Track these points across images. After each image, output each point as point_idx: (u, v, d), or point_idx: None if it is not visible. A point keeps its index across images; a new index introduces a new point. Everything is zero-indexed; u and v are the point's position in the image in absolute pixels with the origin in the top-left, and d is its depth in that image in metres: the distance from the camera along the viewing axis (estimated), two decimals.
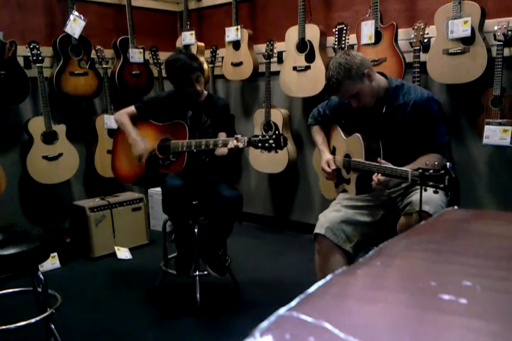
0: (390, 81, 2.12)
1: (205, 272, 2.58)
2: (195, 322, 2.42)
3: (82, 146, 3.66)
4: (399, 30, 2.93)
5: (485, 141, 2.65)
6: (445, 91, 2.98)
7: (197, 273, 2.58)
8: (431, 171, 1.71)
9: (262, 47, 3.58)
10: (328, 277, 0.59)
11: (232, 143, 2.25)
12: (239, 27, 3.62)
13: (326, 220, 2.10)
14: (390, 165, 1.91)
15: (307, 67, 3.28)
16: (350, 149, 2.19)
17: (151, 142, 2.59)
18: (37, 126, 3.25)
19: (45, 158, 3.28)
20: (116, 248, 3.39)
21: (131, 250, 3.44)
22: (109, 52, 3.71)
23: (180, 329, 2.35)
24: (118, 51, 3.71)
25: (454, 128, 2.97)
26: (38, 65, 3.16)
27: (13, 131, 3.35)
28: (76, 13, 3.35)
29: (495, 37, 2.59)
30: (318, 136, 2.41)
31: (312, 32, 3.25)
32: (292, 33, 3.34)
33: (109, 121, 3.49)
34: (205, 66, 3.93)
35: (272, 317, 0.48)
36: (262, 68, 3.58)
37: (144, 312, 2.52)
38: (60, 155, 3.35)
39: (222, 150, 2.47)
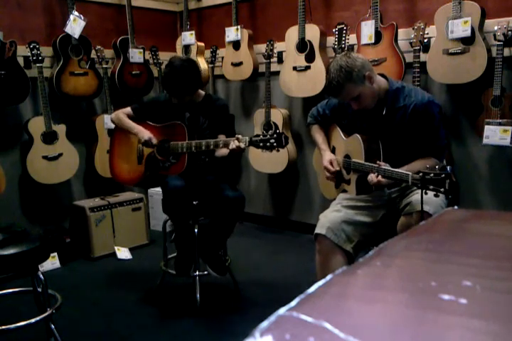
0: (391, 83, 2.12)
1: (205, 272, 2.57)
2: (195, 322, 2.42)
3: (82, 146, 3.66)
4: (399, 30, 2.93)
5: (485, 141, 2.65)
6: (445, 91, 2.98)
7: (197, 273, 2.58)
8: (431, 175, 1.71)
9: (262, 47, 3.58)
10: (328, 277, 0.59)
11: (233, 143, 2.24)
12: (239, 27, 3.62)
13: (327, 220, 2.10)
14: (389, 168, 1.91)
15: (307, 67, 3.28)
16: (349, 150, 2.18)
17: None
18: (37, 126, 3.25)
19: (45, 158, 3.28)
20: (116, 248, 3.39)
21: (131, 250, 3.44)
22: (109, 52, 3.71)
23: (181, 329, 2.35)
24: (118, 51, 3.71)
25: (454, 128, 2.97)
26: (38, 64, 3.16)
27: (13, 131, 3.35)
28: (76, 13, 3.35)
29: (495, 37, 2.59)
30: (318, 136, 2.41)
31: (312, 32, 3.25)
32: (292, 33, 3.34)
33: (109, 121, 3.48)
34: (205, 66, 3.94)
35: (272, 317, 0.48)
36: (262, 68, 3.58)
37: (144, 312, 2.52)
38: (60, 155, 3.35)
39: (222, 151, 2.46)
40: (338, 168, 2.23)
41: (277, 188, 3.97)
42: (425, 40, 2.78)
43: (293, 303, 0.51)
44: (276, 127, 3.51)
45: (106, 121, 3.57)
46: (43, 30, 3.44)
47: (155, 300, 2.66)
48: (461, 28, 2.62)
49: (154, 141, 2.49)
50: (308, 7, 3.27)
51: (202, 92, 2.62)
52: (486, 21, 2.67)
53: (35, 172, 3.25)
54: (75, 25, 3.34)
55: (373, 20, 2.94)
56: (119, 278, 3.03)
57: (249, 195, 3.97)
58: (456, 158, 2.97)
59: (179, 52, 4.05)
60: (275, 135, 2.17)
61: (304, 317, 0.48)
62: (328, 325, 0.46)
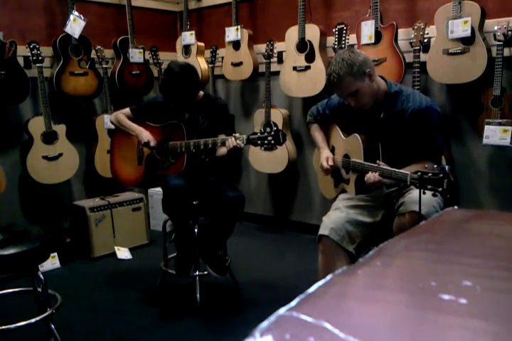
0: (390, 85, 2.11)
1: (205, 272, 2.57)
2: (195, 322, 2.42)
3: (82, 146, 3.66)
4: (399, 30, 2.93)
5: (485, 141, 2.65)
6: (445, 91, 2.98)
7: (197, 273, 2.58)
8: (430, 174, 1.71)
9: (262, 47, 3.58)
10: (328, 277, 0.59)
11: (231, 141, 2.24)
12: (239, 27, 3.62)
13: (330, 221, 2.10)
14: (388, 167, 1.91)
15: (307, 67, 3.28)
16: (349, 149, 2.19)
17: None
18: (37, 126, 3.25)
19: (45, 158, 3.28)
20: (116, 248, 3.39)
21: (131, 250, 3.44)
22: (109, 52, 3.71)
23: (181, 329, 2.35)
24: (118, 51, 3.71)
25: (454, 128, 2.97)
26: (38, 64, 3.16)
27: (13, 131, 3.35)
28: (76, 13, 3.35)
29: (495, 37, 2.59)
30: (318, 134, 2.42)
31: (312, 32, 3.25)
32: (292, 33, 3.34)
33: (109, 120, 3.48)
34: (205, 66, 3.94)
35: (272, 317, 0.48)
36: (262, 68, 3.58)
37: (144, 312, 2.52)
38: (60, 155, 3.35)
39: (222, 151, 2.47)
40: (332, 164, 2.24)
41: (277, 188, 3.97)
42: (425, 40, 2.78)
43: (293, 303, 0.51)
44: (277, 127, 3.51)
45: (106, 121, 3.57)
46: (43, 30, 3.44)
47: (155, 300, 2.66)
48: (461, 28, 2.62)
49: (152, 143, 2.49)
50: (308, 7, 3.27)
51: (201, 92, 2.61)
52: (486, 21, 2.67)
53: (35, 172, 3.25)
54: (75, 25, 3.34)
55: (373, 20, 2.94)
56: (119, 278, 3.03)
57: (249, 195, 3.97)
58: (456, 158, 2.97)
59: (179, 52, 4.05)
60: (273, 132, 2.17)
61: (304, 317, 0.48)
62: (328, 325, 0.46)
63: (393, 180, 1.90)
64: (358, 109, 2.11)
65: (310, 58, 3.27)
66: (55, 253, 3.17)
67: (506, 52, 2.60)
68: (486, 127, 2.63)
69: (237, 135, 2.25)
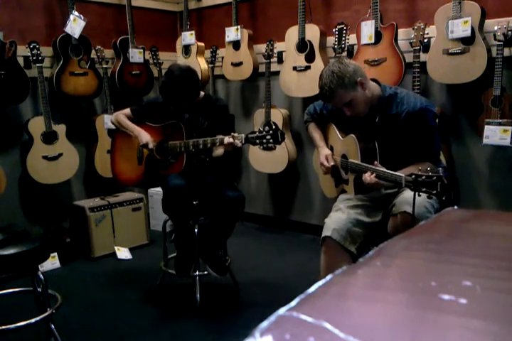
0: (384, 89, 2.11)
1: (205, 272, 2.58)
2: (195, 322, 2.42)
3: (82, 146, 3.66)
4: (399, 30, 2.93)
5: (485, 141, 2.65)
6: (445, 91, 2.98)
7: (197, 273, 2.58)
8: (423, 177, 1.72)
9: (262, 47, 3.58)
10: (328, 277, 0.59)
11: (226, 139, 2.24)
12: (239, 27, 3.62)
13: (332, 222, 2.10)
14: (385, 170, 1.91)
15: (307, 67, 3.28)
16: (346, 150, 2.19)
17: None
18: (37, 126, 3.25)
19: (45, 158, 3.28)
20: (116, 248, 3.39)
21: (131, 250, 3.44)
22: (109, 52, 3.71)
23: (181, 329, 2.35)
24: (118, 51, 3.71)
25: (454, 128, 2.97)
26: (38, 64, 3.16)
27: (13, 131, 3.35)
28: (76, 13, 3.35)
29: (495, 37, 2.59)
30: (315, 133, 2.42)
31: (312, 32, 3.25)
32: (292, 33, 3.34)
33: (109, 121, 3.48)
34: (205, 66, 3.94)
35: (272, 317, 0.48)
36: (262, 68, 3.58)
37: (144, 312, 2.52)
38: (60, 155, 3.35)
39: (218, 152, 2.47)
40: (332, 163, 2.24)
41: (277, 188, 3.97)
42: (425, 40, 2.78)
43: (293, 303, 0.51)
44: (276, 127, 3.50)
45: (106, 121, 3.57)
46: (43, 30, 3.44)
47: (155, 300, 2.66)
48: (461, 28, 2.62)
49: (151, 145, 2.50)
50: (308, 7, 3.27)
51: (201, 93, 2.61)
52: (486, 21, 2.67)
53: (35, 172, 3.25)
54: (75, 25, 3.34)
55: (373, 20, 2.94)
56: (119, 278, 3.03)
57: (249, 195, 3.97)
58: (456, 158, 2.97)
59: (179, 52, 4.05)
60: (271, 131, 2.17)
61: (303, 317, 0.48)
62: (328, 325, 0.46)
63: (389, 182, 1.90)
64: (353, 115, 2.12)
65: (310, 58, 3.27)
66: (55, 253, 3.17)
67: (506, 52, 2.60)
68: (486, 127, 2.63)
69: (235, 134, 2.25)
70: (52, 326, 2.09)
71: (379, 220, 2.15)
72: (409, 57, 2.87)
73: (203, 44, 4.01)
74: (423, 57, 2.79)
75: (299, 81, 3.34)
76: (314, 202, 3.73)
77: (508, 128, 2.57)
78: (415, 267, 0.66)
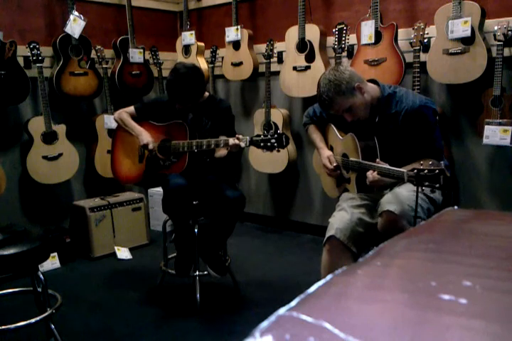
0: (383, 89, 2.11)
1: (205, 272, 2.58)
2: (195, 322, 2.42)
3: (82, 146, 3.66)
4: (399, 30, 2.93)
5: (485, 141, 2.65)
6: (445, 91, 2.98)
7: (197, 273, 2.58)
8: (425, 171, 1.71)
9: (262, 47, 3.58)
10: (328, 277, 0.59)
11: (231, 140, 2.25)
12: (239, 27, 3.62)
13: (335, 221, 2.10)
14: (387, 166, 1.91)
15: (307, 67, 3.28)
16: (346, 149, 2.19)
17: None
18: (37, 126, 3.25)
19: (45, 158, 3.28)
20: (116, 248, 3.39)
21: (131, 250, 3.44)
22: (109, 52, 3.71)
23: (181, 329, 2.35)
24: (118, 51, 3.71)
25: (454, 128, 2.97)
26: (38, 65, 3.16)
27: (13, 131, 3.35)
28: (76, 13, 3.35)
29: (495, 37, 2.59)
30: (316, 135, 2.42)
31: (312, 32, 3.25)
32: (292, 33, 3.34)
33: (109, 121, 3.49)
34: (205, 66, 3.94)
35: (272, 317, 0.48)
36: (262, 68, 3.58)
37: (144, 312, 2.52)
38: (60, 155, 3.35)
39: (221, 153, 2.48)
40: (335, 164, 2.24)
41: (277, 188, 3.97)
42: (425, 40, 2.78)
43: (293, 303, 0.51)
44: (277, 127, 3.51)
45: (106, 121, 3.57)
46: (43, 30, 3.44)
47: (155, 300, 2.66)
48: (461, 28, 2.62)
49: (151, 146, 2.51)
50: (308, 7, 3.27)
51: (206, 93, 2.62)
52: (486, 21, 2.67)
53: (35, 172, 3.25)
54: (75, 25, 3.34)
55: (373, 20, 2.94)
56: (119, 278, 3.03)
57: (250, 195, 3.97)
58: (456, 157, 2.97)
59: (179, 52, 4.05)
60: (276, 135, 2.18)
61: (303, 317, 0.48)
62: (328, 325, 0.46)
63: (391, 178, 1.90)
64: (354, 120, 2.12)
65: (310, 58, 3.27)
66: (55, 253, 3.17)
67: (506, 52, 2.60)
68: (486, 127, 2.63)
69: (240, 136, 2.25)
70: (52, 326, 2.09)
71: None
72: (409, 57, 2.87)
73: (203, 44, 4.01)
74: (423, 57, 2.79)
75: (299, 81, 3.34)
76: (314, 202, 3.73)
77: (508, 128, 2.57)
78: (415, 267, 0.66)
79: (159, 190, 2.69)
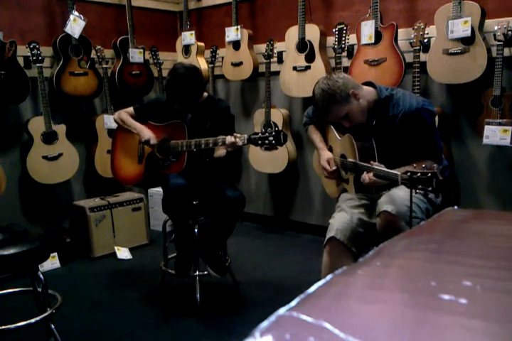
0: (380, 91, 2.11)
1: (205, 272, 2.58)
2: (196, 322, 2.42)
3: (82, 146, 3.66)
4: (399, 30, 2.93)
5: (485, 141, 2.65)
6: (445, 91, 2.98)
7: (197, 273, 2.58)
8: (418, 174, 1.72)
9: (262, 47, 3.58)
10: (328, 277, 0.59)
11: (229, 138, 2.25)
12: (239, 27, 3.62)
13: (335, 222, 2.10)
14: (381, 168, 1.91)
15: (307, 67, 3.28)
16: (344, 149, 2.19)
17: None
18: (37, 126, 3.25)
19: (45, 158, 3.28)
20: (116, 248, 3.39)
21: (131, 250, 3.44)
22: (109, 52, 3.71)
23: (181, 329, 2.35)
24: (118, 51, 3.71)
25: (454, 128, 2.97)
26: (38, 65, 3.16)
27: (13, 131, 3.35)
28: (76, 13, 3.35)
29: (495, 37, 2.59)
30: (315, 136, 2.42)
31: (312, 32, 3.25)
32: (292, 33, 3.34)
33: (109, 121, 3.49)
34: (205, 66, 3.94)
35: (272, 317, 0.48)
36: (262, 68, 3.58)
37: (144, 312, 2.52)
38: (60, 155, 3.35)
39: (220, 152, 2.48)
40: (335, 167, 2.24)
41: (277, 188, 3.97)
42: (425, 40, 2.78)
43: (293, 303, 0.51)
44: (277, 127, 3.51)
45: (106, 121, 3.57)
46: (43, 30, 3.44)
47: (155, 300, 2.66)
48: (461, 28, 2.62)
49: (153, 141, 2.50)
50: (308, 7, 3.27)
51: (205, 93, 2.62)
52: (486, 21, 2.67)
53: (35, 172, 3.25)
54: (75, 25, 3.34)
55: (373, 20, 2.94)
56: (119, 278, 3.03)
57: (250, 195, 3.97)
58: (456, 158, 2.97)
59: (179, 52, 4.05)
60: (274, 133, 2.18)
61: (304, 317, 0.48)
62: (328, 325, 0.46)
63: (386, 180, 1.90)
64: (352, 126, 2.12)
65: (310, 58, 3.28)
66: (55, 253, 3.17)
67: (506, 52, 2.60)
68: (486, 127, 2.63)
69: (238, 135, 2.25)
70: (52, 326, 2.09)
71: None
72: (409, 57, 2.87)
73: (203, 44, 4.01)
74: (423, 57, 2.79)
75: (299, 81, 3.34)
76: (314, 202, 3.73)
77: (508, 128, 2.57)
78: (415, 267, 0.66)
79: (159, 190, 2.69)
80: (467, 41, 2.63)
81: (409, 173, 1.74)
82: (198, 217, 2.55)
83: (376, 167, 1.93)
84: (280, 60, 3.59)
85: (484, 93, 2.69)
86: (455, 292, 0.54)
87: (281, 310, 0.49)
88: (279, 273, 2.99)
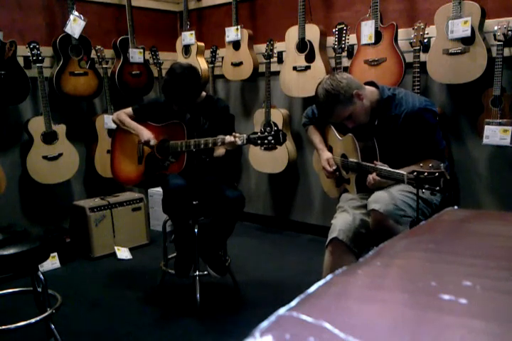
0: (382, 91, 2.10)
1: (205, 272, 2.57)
2: (195, 322, 2.42)
3: (82, 146, 3.66)
4: (399, 30, 2.93)
5: (485, 141, 2.65)
6: (445, 91, 2.98)
7: (197, 273, 2.58)
8: (425, 174, 1.71)
9: (262, 47, 3.58)
10: (328, 277, 0.59)
11: (228, 137, 2.25)
12: (239, 27, 3.62)
13: (337, 223, 2.10)
14: (386, 168, 1.91)
15: (307, 67, 3.28)
16: (345, 149, 2.19)
17: None
18: (37, 126, 3.25)
19: (45, 158, 3.28)
20: (116, 248, 3.39)
21: (131, 250, 3.44)
22: (109, 52, 3.71)
23: (181, 329, 2.35)
24: (118, 51, 3.71)
25: (454, 128, 2.97)
26: (38, 65, 3.16)
27: (13, 131, 3.35)
28: (76, 13, 3.35)
29: (495, 37, 2.59)
30: (315, 136, 2.42)
31: (312, 32, 3.25)
32: (292, 33, 3.34)
33: (109, 121, 3.48)
34: (205, 66, 3.94)
35: (272, 317, 0.48)
36: (262, 68, 3.58)
37: (144, 312, 2.52)
38: (60, 155, 3.35)
39: (220, 152, 2.48)
40: (335, 167, 2.23)
41: (277, 188, 3.97)
42: (425, 40, 2.78)
43: (293, 303, 0.51)
44: (277, 127, 3.51)
45: (106, 121, 3.57)
46: (43, 30, 3.44)
47: (155, 300, 2.66)
48: (461, 28, 2.62)
49: (152, 142, 2.50)
50: (308, 7, 3.27)
51: (203, 93, 2.62)
52: (486, 21, 2.67)
53: (35, 172, 3.25)
54: (75, 25, 3.34)
55: (373, 20, 2.94)
56: (119, 278, 3.03)
57: (249, 195, 3.97)
58: (456, 158, 2.97)
59: (179, 52, 4.05)
60: (273, 132, 2.18)
61: (304, 317, 0.48)
62: (328, 325, 0.46)
63: (391, 180, 1.90)
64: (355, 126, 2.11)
65: (310, 58, 3.27)
66: (55, 253, 3.17)
67: (506, 52, 2.60)
68: (486, 127, 2.63)
69: (237, 134, 2.25)
70: (52, 326, 2.09)
71: None
72: (409, 57, 2.87)
73: (203, 44, 4.01)
74: (423, 57, 2.79)
75: (299, 81, 3.34)
76: (314, 202, 3.73)
77: (508, 128, 2.57)
78: (415, 267, 0.66)
79: (159, 190, 2.69)
80: (467, 41, 2.63)
81: (415, 173, 1.73)
82: (198, 217, 2.55)
83: (380, 167, 1.92)
84: (280, 60, 3.59)
85: (484, 93, 2.69)
86: (455, 292, 0.54)
87: (281, 310, 0.49)
88: (279, 273, 2.99)
